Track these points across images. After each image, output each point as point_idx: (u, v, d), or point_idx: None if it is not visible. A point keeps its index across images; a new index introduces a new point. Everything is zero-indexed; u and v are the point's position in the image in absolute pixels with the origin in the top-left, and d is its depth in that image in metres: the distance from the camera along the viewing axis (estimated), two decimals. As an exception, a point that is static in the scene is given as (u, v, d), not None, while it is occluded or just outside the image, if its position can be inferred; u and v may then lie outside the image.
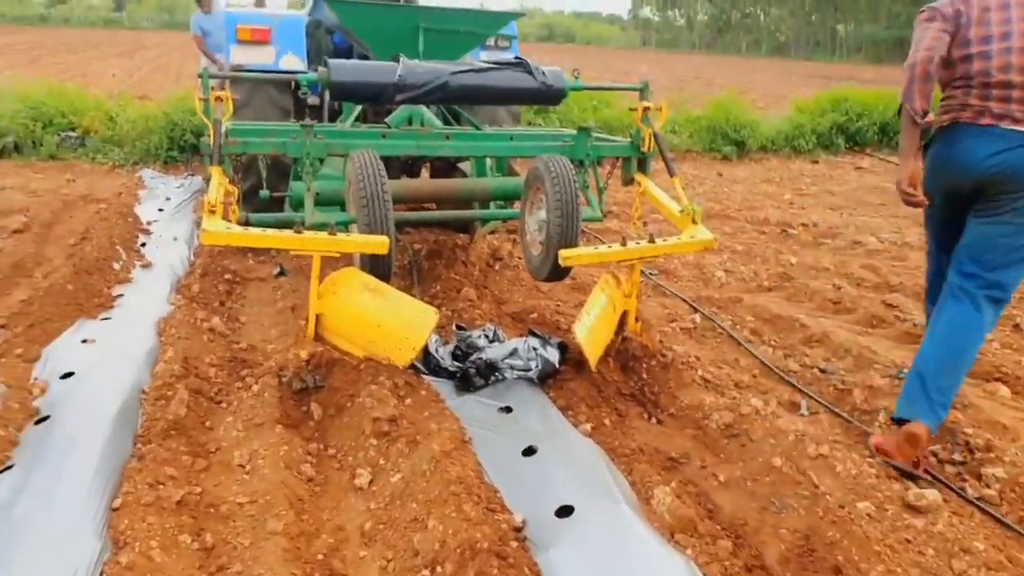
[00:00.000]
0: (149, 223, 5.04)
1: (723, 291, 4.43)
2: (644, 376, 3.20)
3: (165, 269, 4.09)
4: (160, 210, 5.40)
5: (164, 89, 15.57)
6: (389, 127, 3.87)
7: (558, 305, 3.95)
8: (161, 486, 2.21)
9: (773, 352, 3.52)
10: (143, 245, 4.54)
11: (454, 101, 3.79)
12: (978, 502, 2.40)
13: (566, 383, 2.88)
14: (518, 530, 2.10)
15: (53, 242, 4.70)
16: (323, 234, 2.65)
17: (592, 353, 2.73)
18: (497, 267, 4.60)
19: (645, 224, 4.39)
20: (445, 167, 4.75)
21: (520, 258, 4.82)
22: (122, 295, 3.70)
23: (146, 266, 4.17)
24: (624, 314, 3.01)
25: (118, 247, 4.36)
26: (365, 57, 4.68)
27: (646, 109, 3.39)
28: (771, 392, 3.10)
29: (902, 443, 2.48)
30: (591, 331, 2.72)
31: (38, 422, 2.51)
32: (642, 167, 3.50)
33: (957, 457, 2.63)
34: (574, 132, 3.89)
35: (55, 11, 59.73)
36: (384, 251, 2.68)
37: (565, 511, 2.10)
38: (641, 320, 3.09)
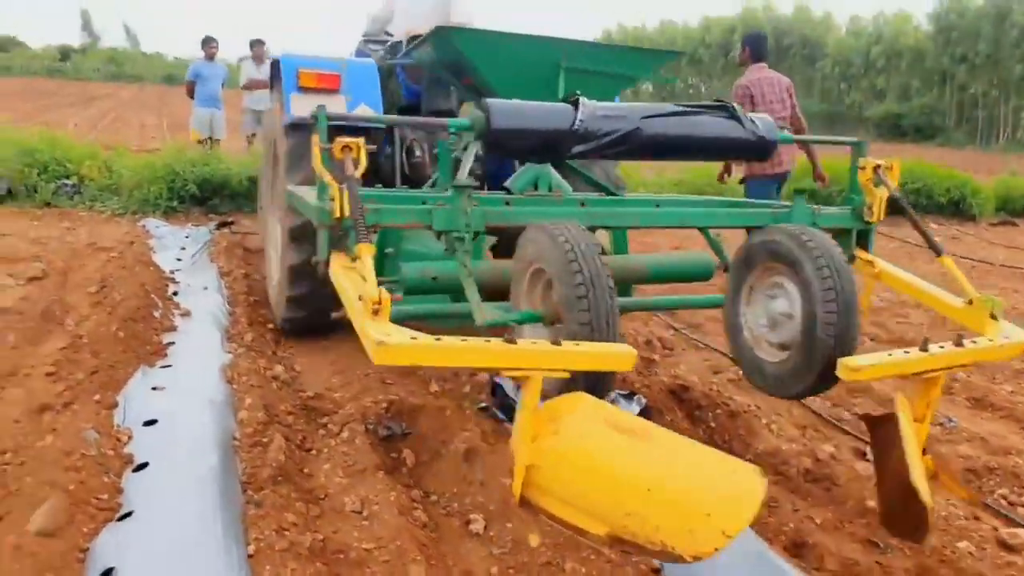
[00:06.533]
0: (172, 272, 4.95)
1: (752, 344, 4.60)
2: (712, 424, 3.31)
3: (207, 317, 4.02)
4: (178, 259, 5.33)
5: (132, 140, 15.37)
6: (509, 192, 3.03)
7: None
8: (287, 532, 2.17)
9: (821, 402, 3.67)
10: (175, 294, 4.46)
11: (643, 155, 2.82)
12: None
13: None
14: (656, 572, 2.14)
15: (72, 290, 4.57)
16: (544, 344, 1.80)
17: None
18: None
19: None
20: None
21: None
22: (172, 343, 3.62)
23: (185, 315, 4.09)
24: None
25: (152, 296, 4.27)
26: (439, 112, 4.03)
27: (877, 167, 2.67)
28: (835, 440, 3.23)
29: None
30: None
31: (136, 469, 2.43)
32: (864, 241, 2.85)
33: (1027, 498, 2.79)
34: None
35: (-5, 58, 58.06)
36: (631, 367, 1.89)
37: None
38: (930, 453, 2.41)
